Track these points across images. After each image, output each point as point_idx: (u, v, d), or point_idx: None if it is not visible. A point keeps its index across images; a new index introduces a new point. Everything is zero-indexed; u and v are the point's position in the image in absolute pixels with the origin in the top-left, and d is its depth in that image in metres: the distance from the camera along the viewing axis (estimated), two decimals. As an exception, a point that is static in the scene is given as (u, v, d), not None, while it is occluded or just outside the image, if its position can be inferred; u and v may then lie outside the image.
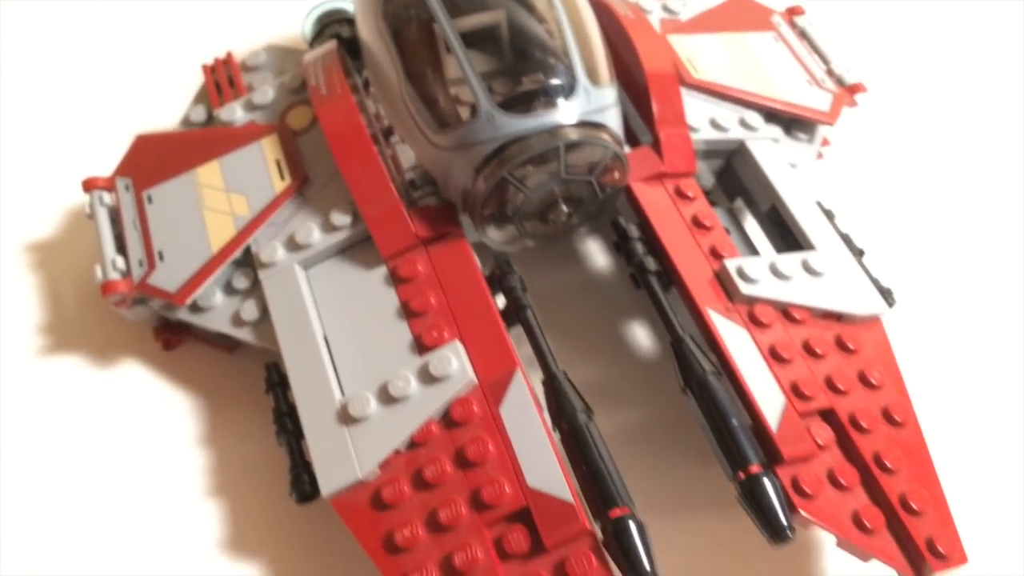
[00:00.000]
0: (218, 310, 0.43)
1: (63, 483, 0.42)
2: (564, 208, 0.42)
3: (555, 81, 0.40)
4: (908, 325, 0.45)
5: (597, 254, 0.50)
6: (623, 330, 0.47)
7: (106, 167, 0.48)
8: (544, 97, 0.40)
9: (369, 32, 0.45)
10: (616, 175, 0.42)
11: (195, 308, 0.43)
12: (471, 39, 0.42)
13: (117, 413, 0.45)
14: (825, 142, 0.52)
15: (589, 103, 0.40)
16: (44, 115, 0.57)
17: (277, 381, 0.41)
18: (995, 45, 0.64)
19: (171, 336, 0.46)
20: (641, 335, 0.47)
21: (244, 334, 0.43)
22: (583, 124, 0.40)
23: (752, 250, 0.46)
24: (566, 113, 0.40)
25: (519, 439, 0.36)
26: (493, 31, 0.43)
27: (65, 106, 0.57)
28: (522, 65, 0.42)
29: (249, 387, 0.44)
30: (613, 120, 0.42)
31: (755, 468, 0.34)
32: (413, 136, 0.43)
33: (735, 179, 0.48)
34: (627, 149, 0.44)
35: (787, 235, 0.45)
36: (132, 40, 0.61)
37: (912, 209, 0.53)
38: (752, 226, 0.48)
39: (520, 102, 0.40)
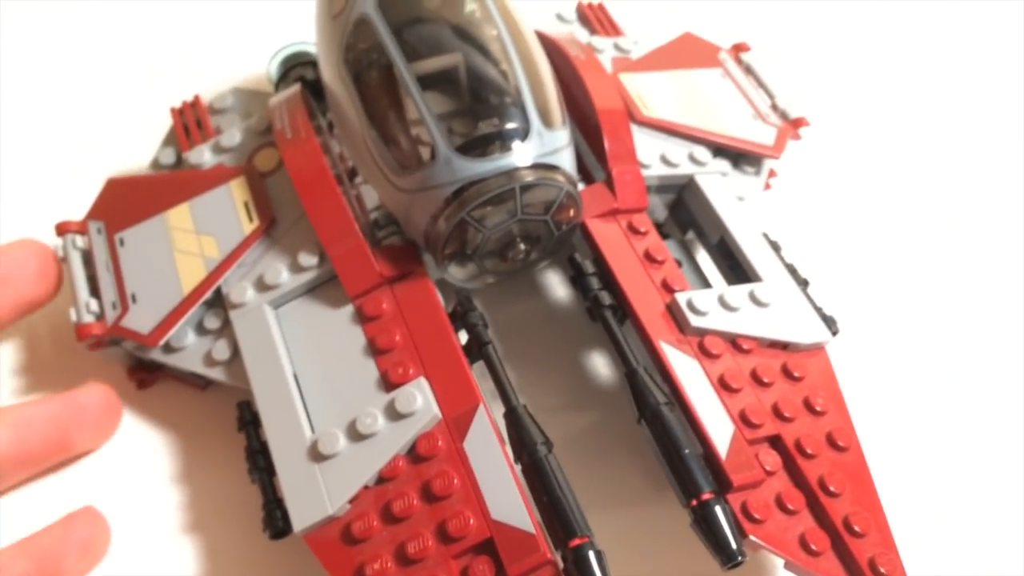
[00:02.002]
0: (190, 350, 0.45)
1: (39, 520, 0.43)
2: (522, 246, 0.44)
3: (510, 125, 0.42)
4: (850, 352, 0.47)
5: (556, 286, 0.52)
6: (582, 360, 0.49)
7: (77, 209, 0.50)
8: (500, 141, 0.42)
9: (331, 76, 0.47)
10: (571, 213, 0.44)
11: (168, 348, 0.45)
12: (429, 81, 0.44)
13: (94, 452, 0.46)
14: (772, 173, 0.54)
15: (543, 146, 0.42)
16: (14, 158, 0.57)
17: (249, 419, 0.42)
18: (934, 75, 0.67)
19: (145, 375, 0.48)
20: (599, 363, 0.49)
21: (216, 373, 0.44)
22: (538, 166, 0.42)
23: (703, 281, 0.48)
24: (521, 156, 0.42)
25: (483, 472, 0.38)
26: (450, 73, 0.45)
27: (35, 149, 0.58)
28: (479, 108, 0.44)
29: (222, 424, 0.45)
30: (567, 160, 0.44)
31: (706, 495, 0.36)
32: (375, 178, 0.45)
33: (686, 212, 0.50)
34: (581, 186, 0.46)
35: (736, 266, 0.47)
36: (101, 83, 0.62)
37: (853, 238, 0.56)
38: (704, 257, 0.50)
39: (477, 146, 0.42)
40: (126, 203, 0.49)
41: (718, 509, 0.36)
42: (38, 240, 0.48)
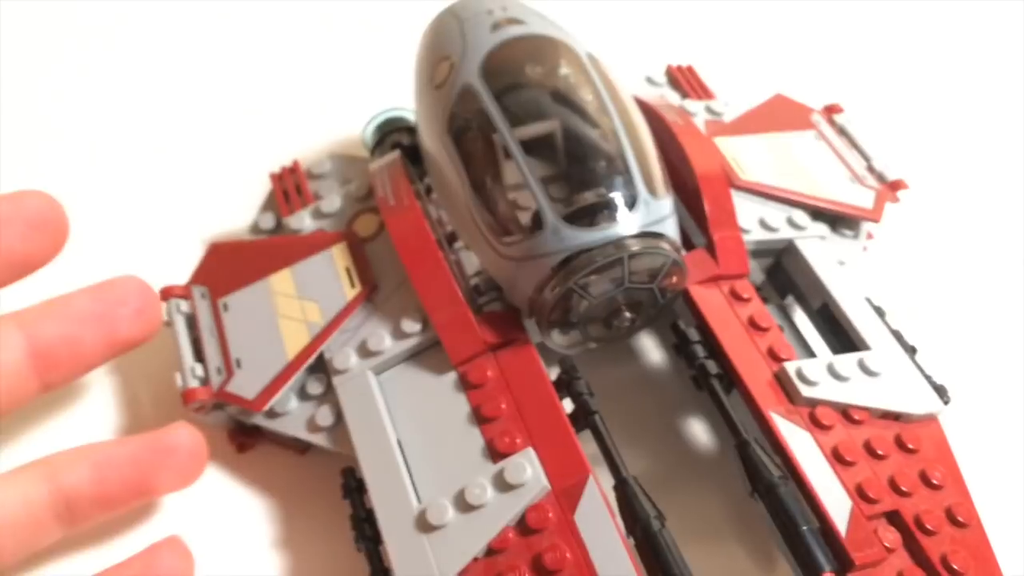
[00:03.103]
0: (293, 415, 0.45)
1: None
2: (627, 315, 0.44)
3: (617, 195, 0.42)
4: (963, 422, 0.46)
5: (651, 350, 0.52)
6: (680, 425, 0.48)
7: (179, 274, 0.51)
8: (607, 211, 0.42)
9: (434, 144, 0.47)
10: (675, 280, 0.44)
11: (271, 413, 0.45)
12: (534, 149, 0.44)
13: (195, 515, 0.46)
14: (869, 236, 0.53)
15: (649, 214, 0.42)
16: (118, 221, 0.59)
17: (354, 487, 0.42)
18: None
19: (245, 439, 0.48)
20: (699, 430, 0.48)
21: (319, 439, 0.44)
22: (644, 235, 0.42)
23: (804, 346, 0.47)
24: (628, 225, 0.42)
25: (595, 546, 0.37)
26: (555, 140, 0.45)
27: (137, 213, 0.59)
28: (586, 176, 0.44)
29: (323, 490, 0.45)
30: (671, 228, 0.43)
31: (827, 574, 0.35)
32: (478, 244, 0.45)
33: (785, 277, 0.50)
34: (683, 252, 0.46)
35: (839, 332, 0.47)
36: (202, 149, 0.64)
37: (956, 300, 0.55)
38: (802, 321, 0.49)
39: (585, 215, 0.42)
40: (229, 268, 0.50)
41: (841, 589, 0.35)
42: (139, 277, 0.46)
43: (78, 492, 0.41)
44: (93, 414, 0.50)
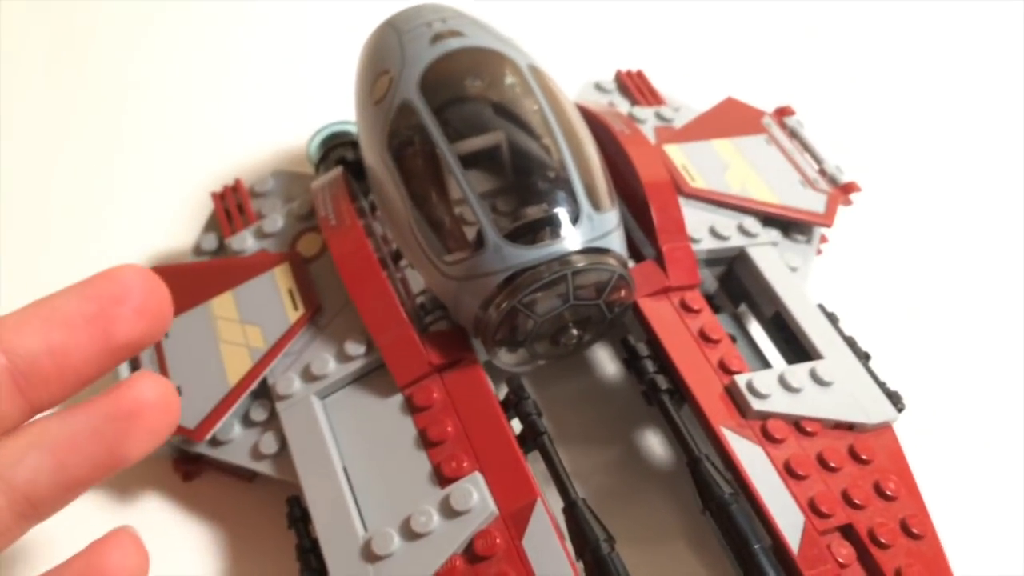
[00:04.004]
0: (237, 443, 0.44)
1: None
2: (574, 332, 0.43)
3: (560, 210, 0.41)
4: (916, 429, 0.45)
5: (605, 362, 0.51)
6: (635, 438, 0.48)
7: (120, 299, 0.49)
8: (550, 227, 0.41)
9: (375, 161, 0.46)
10: (623, 294, 0.43)
11: (214, 442, 0.44)
12: (475, 165, 0.43)
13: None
14: (824, 239, 0.53)
15: (593, 229, 0.41)
16: (56, 247, 0.57)
17: (299, 516, 0.41)
18: (990, 138, 0.65)
19: (191, 467, 0.47)
20: (654, 442, 0.47)
21: (263, 467, 0.43)
22: (589, 251, 0.41)
23: (759, 356, 0.47)
24: (571, 240, 0.41)
25: (543, 572, 0.36)
26: (496, 156, 0.44)
27: (74, 237, 0.58)
28: (527, 193, 0.43)
29: (270, 518, 0.44)
30: (617, 242, 0.43)
31: (779, 594, 0.35)
32: (421, 263, 0.44)
33: (738, 285, 0.49)
34: (631, 264, 0.46)
35: (792, 341, 0.46)
36: (142, 168, 0.62)
37: (910, 304, 0.54)
38: (757, 330, 0.49)
39: (527, 232, 0.41)
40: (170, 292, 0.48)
41: (793, 609, 0.35)
42: (140, 266, 0.38)
43: (38, 486, 0.35)
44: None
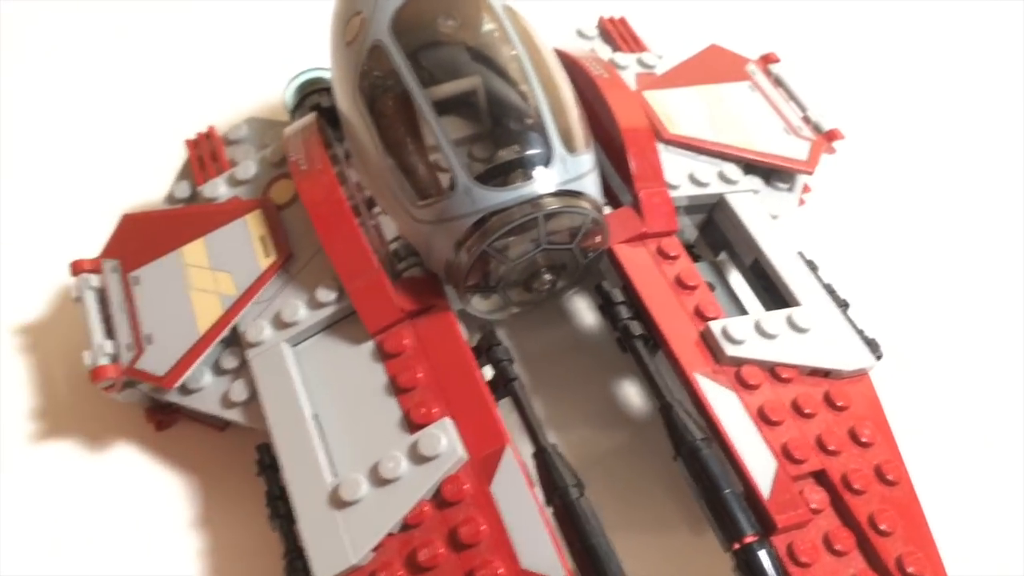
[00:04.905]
0: (207, 391, 0.43)
1: (58, 567, 0.42)
2: (547, 277, 0.42)
3: (532, 152, 0.41)
4: (893, 377, 0.45)
5: (584, 312, 0.50)
6: (612, 388, 0.47)
7: (93, 245, 0.49)
8: (521, 169, 0.40)
9: (346, 104, 0.45)
10: (597, 240, 0.42)
11: (184, 390, 0.43)
12: (446, 108, 0.42)
13: (112, 496, 0.45)
14: (806, 188, 0.52)
15: (566, 172, 0.41)
16: (26, 195, 0.57)
17: (269, 463, 0.41)
18: (973, 85, 0.64)
19: (163, 417, 0.46)
20: (631, 392, 0.47)
21: (234, 415, 0.43)
22: (561, 193, 0.40)
23: (738, 305, 0.46)
24: (544, 183, 0.40)
25: (511, 518, 0.36)
26: (468, 99, 0.44)
27: (47, 185, 0.57)
28: (498, 134, 0.42)
29: (242, 467, 0.44)
30: (591, 186, 0.42)
31: (749, 538, 0.34)
32: (393, 208, 0.43)
33: (718, 233, 0.48)
34: (607, 210, 0.45)
35: (771, 288, 0.45)
36: (113, 116, 0.61)
37: (893, 253, 0.54)
38: (737, 279, 0.48)
39: (498, 174, 0.40)
40: (141, 240, 0.48)
41: (762, 553, 0.34)
42: None
43: None
44: (4, 394, 0.48)
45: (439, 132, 0.41)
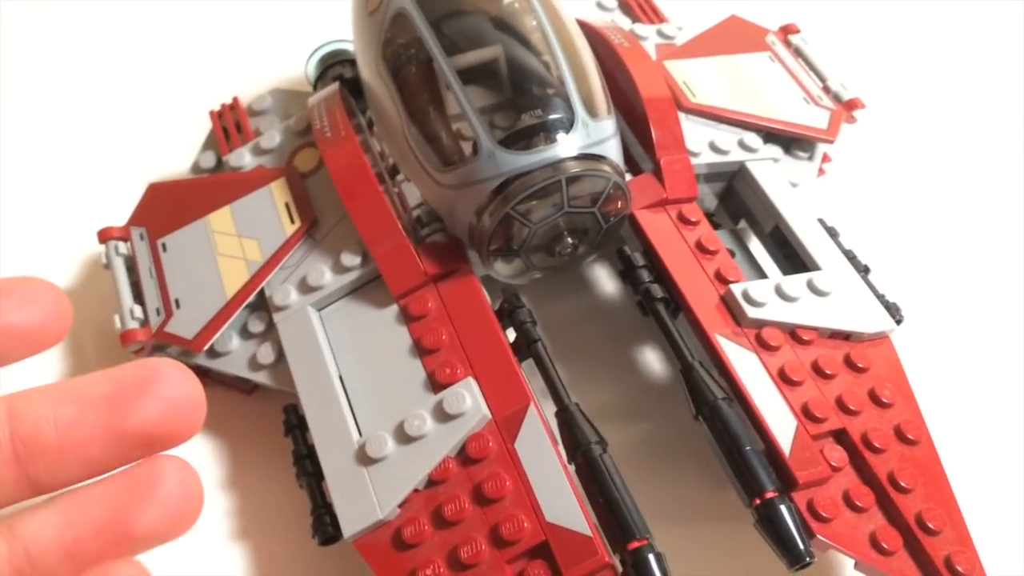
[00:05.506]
0: (235, 354, 0.44)
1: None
2: (569, 240, 0.42)
3: (554, 116, 0.41)
4: (916, 340, 0.45)
5: (605, 280, 0.51)
6: (634, 354, 0.48)
7: (120, 215, 0.49)
8: (544, 132, 0.41)
9: (369, 73, 0.46)
10: (619, 204, 0.43)
11: (212, 353, 0.44)
12: (469, 74, 0.43)
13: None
14: (826, 158, 0.52)
15: (588, 136, 0.41)
16: (54, 165, 0.57)
17: (296, 423, 0.41)
18: (993, 53, 0.64)
19: (190, 381, 0.47)
20: (652, 359, 0.47)
21: (261, 377, 0.43)
22: (583, 157, 0.41)
23: (758, 271, 0.46)
24: (566, 147, 0.40)
25: (535, 473, 0.36)
26: (491, 65, 0.44)
27: (74, 155, 0.58)
28: (521, 100, 0.42)
29: (269, 428, 0.44)
30: (613, 151, 0.42)
31: (770, 494, 0.35)
32: (417, 175, 0.44)
33: (738, 201, 0.49)
34: (628, 177, 0.45)
35: (791, 255, 0.46)
36: (139, 87, 0.62)
37: (915, 222, 0.54)
38: (757, 247, 0.48)
39: (520, 138, 0.41)
40: (168, 208, 0.49)
41: (783, 508, 0.35)
42: (176, 361, 0.33)
43: (40, 541, 0.31)
44: (34, 360, 0.49)
45: (462, 98, 0.41)
